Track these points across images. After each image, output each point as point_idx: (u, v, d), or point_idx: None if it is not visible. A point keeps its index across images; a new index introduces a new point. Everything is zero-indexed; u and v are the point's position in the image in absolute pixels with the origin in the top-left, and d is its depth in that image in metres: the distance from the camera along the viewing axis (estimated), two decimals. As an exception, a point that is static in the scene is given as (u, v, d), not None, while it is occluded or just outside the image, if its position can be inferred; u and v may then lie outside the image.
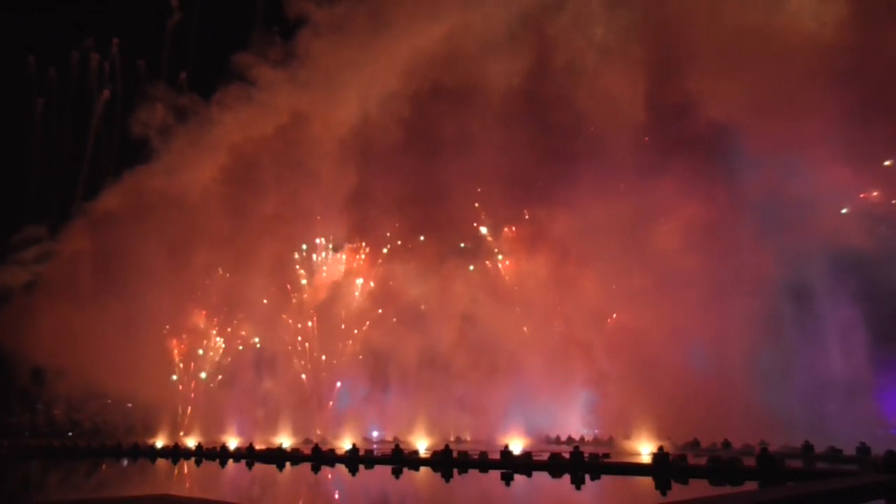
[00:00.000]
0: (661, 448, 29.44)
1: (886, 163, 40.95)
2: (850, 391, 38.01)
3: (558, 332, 44.84)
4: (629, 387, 38.66)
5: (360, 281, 58.15)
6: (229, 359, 61.81)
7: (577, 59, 47.92)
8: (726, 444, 35.08)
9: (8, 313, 64.01)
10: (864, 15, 38.24)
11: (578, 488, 26.36)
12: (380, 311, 55.36)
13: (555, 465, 29.93)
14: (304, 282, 59.23)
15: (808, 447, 32.76)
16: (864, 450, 29.92)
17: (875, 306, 39.12)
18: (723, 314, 37.74)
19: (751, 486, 23.96)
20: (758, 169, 39.22)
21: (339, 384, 56.32)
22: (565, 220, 43.52)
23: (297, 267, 59.39)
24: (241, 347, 61.20)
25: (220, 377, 61.39)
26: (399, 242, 54.50)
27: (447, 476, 30.96)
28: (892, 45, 36.56)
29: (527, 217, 48.74)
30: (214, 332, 62.65)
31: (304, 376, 57.48)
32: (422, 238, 51.37)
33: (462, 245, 53.20)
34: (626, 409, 36.85)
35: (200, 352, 62.40)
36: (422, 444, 40.90)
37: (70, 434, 65.21)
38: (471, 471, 31.95)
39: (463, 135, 47.88)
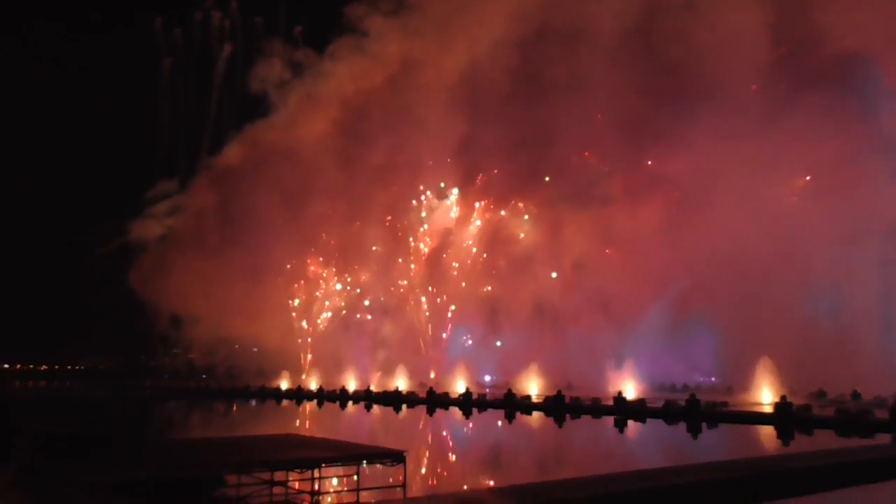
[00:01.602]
0: (783, 397, 28.37)
1: None
2: None
3: (674, 279, 43.50)
4: (750, 334, 37.22)
5: (474, 227, 58.70)
6: (346, 305, 64.32)
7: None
8: (855, 395, 33.32)
9: (145, 264, 68.69)
10: None
11: (695, 436, 25.91)
12: (486, 256, 55.87)
13: (670, 413, 29.47)
14: (422, 228, 60.34)
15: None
16: None
17: None
18: (853, 258, 35.45)
19: (883, 438, 22.75)
20: (891, 104, 36.12)
21: (452, 329, 57.43)
22: (683, 164, 41.83)
23: (410, 215, 60.50)
24: (358, 291, 63.49)
25: (338, 322, 64.05)
26: (510, 188, 54.45)
27: (560, 420, 31.17)
28: None
29: (646, 162, 47.29)
30: (334, 279, 65.25)
31: (418, 321, 58.98)
32: (547, 179, 51.14)
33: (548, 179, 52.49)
34: (747, 357, 35.49)
35: (319, 297, 65.32)
36: (533, 390, 41.23)
37: (204, 377, 69.97)
38: (583, 416, 32.02)
39: (574, 78, 46.67)
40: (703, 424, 27.29)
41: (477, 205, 59.17)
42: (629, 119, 44.95)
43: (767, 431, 26.11)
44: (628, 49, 44.10)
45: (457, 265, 58.24)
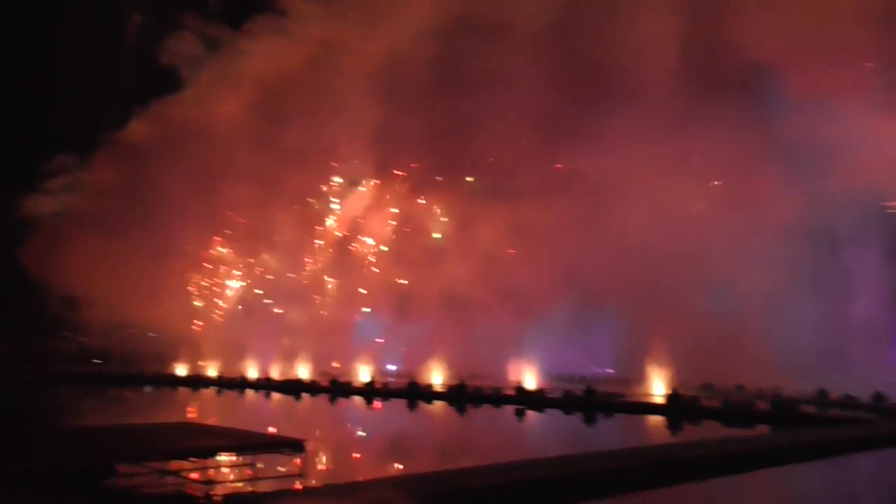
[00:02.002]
0: (675, 389, 29.69)
1: None
2: (870, 339, 37.82)
3: (580, 274, 44.67)
4: (647, 329, 38.72)
5: (386, 216, 58.38)
6: (251, 291, 62.76)
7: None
8: (739, 388, 35.23)
9: (37, 242, 64.85)
10: None
11: (591, 426, 26.77)
12: (398, 247, 55.74)
13: (568, 402, 30.33)
14: (333, 215, 59.56)
15: (822, 393, 32.81)
16: (879, 398, 29.93)
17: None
18: (744, 258, 37.39)
19: (763, 429, 24.16)
20: (793, 114, 38.18)
21: (358, 318, 57.03)
22: (596, 163, 42.85)
23: (320, 201, 59.62)
24: (264, 276, 62.10)
25: (240, 308, 62.44)
26: (424, 179, 54.38)
27: (461, 410, 31.54)
28: None
29: (560, 159, 48.18)
30: (238, 264, 63.52)
31: (324, 309, 58.27)
32: (470, 179, 51.32)
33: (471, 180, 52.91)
34: (644, 351, 36.98)
35: (222, 281, 63.47)
36: (437, 379, 41.55)
37: (98, 361, 66.84)
38: (484, 405, 32.51)
39: (493, 72, 47.07)
40: (600, 414, 28.24)
41: (388, 195, 58.92)
42: (545, 116, 45.68)
43: (659, 421, 27.29)
44: (547, 46, 44.83)
45: (367, 254, 57.90)
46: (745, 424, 24.70)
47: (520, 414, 29.28)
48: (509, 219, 48.84)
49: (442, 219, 55.66)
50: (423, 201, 56.24)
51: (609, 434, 25.67)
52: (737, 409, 27.05)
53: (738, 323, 36.65)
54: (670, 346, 36.26)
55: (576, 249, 44.37)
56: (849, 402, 32.03)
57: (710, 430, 24.11)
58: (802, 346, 35.58)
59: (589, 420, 27.42)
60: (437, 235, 54.15)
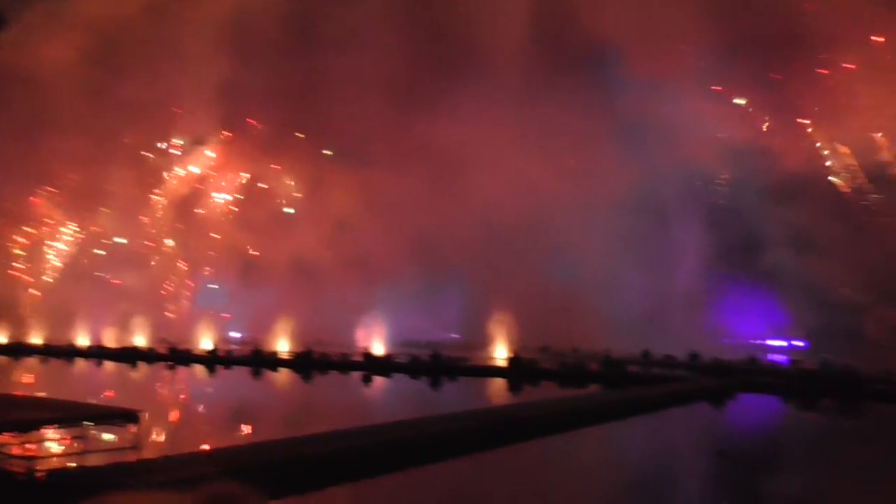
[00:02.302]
0: (516, 353, 31.01)
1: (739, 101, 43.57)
2: (689, 305, 41.37)
3: (428, 241, 45.26)
4: (492, 295, 40.02)
5: (231, 177, 55.93)
6: (82, 253, 58.30)
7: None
8: (575, 350, 37.37)
9: None
10: None
11: (435, 388, 27.41)
12: (245, 211, 53.82)
13: (414, 367, 30.87)
14: (173, 174, 56.15)
15: (646, 353, 35.56)
16: (694, 357, 32.83)
17: (723, 231, 42.39)
18: (581, 228, 39.51)
19: (594, 387, 25.80)
20: (633, 91, 40.41)
21: (200, 283, 54.70)
22: (449, 131, 43.28)
23: (160, 159, 56.09)
24: (96, 238, 57.81)
25: (70, 270, 57.92)
26: (272, 141, 52.58)
27: (307, 377, 31.23)
28: None
29: (414, 126, 48.15)
30: (67, 223, 58.67)
31: (163, 273, 55.30)
32: (328, 153, 49.87)
33: (330, 152, 51.91)
34: (488, 316, 38.29)
35: (49, 242, 58.47)
36: (283, 347, 40.84)
37: None
38: (331, 372, 32.39)
39: (345, 34, 46.07)
40: (445, 378, 28.99)
41: (235, 156, 56.46)
42: (397, 83, 45.41)
43: (501, 383, 28.44)
44: (402, 12, 44.48)
45: (210, 217, 55.33)
46: (579, 384, 26.31)
47: (367, 380, 29.44)
48: (359, 185, 48.50)
49: (290, 183, 54.32)
50: (273, 165, 54.54)
51: (453, 397, 26.40)
52: (572, 371, 28.73)
53: (575, 290, 38.79)
54: (513, 311, 37.80)
55: (424, 218, 44.97)
56: (669, 361, 34.97)
57: (548, 391, 25.41)
58: (631, 311, 38.30)
59: (434, 384, 28.05)
60: (288, 210, 52.78)
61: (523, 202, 41.10)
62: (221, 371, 34.70)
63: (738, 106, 43.35)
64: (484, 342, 38.83)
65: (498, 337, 37.23)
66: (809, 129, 44.66)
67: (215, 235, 54.98)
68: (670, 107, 39.61)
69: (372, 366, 31.89)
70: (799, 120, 43.95)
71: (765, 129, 43.40)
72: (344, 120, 50.42)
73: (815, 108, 43.30)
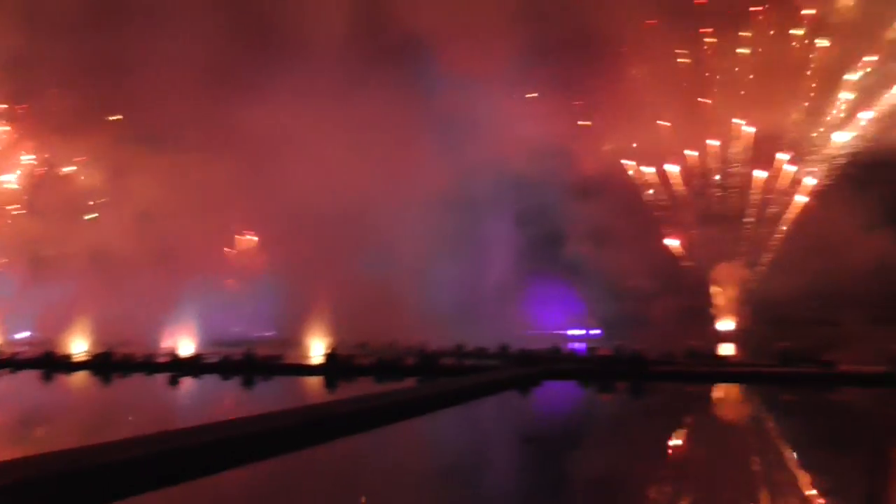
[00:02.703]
0: (332, 349, 30.74)
1: (531, 95, 46.33)
2: (500, 298, 43.32)
3: (244, 233, 43.70)
4: (310, 291, 39.42)
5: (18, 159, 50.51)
6: None
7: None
8: (392, 345, 37.74)
9: None
10: None
11: (250, 389, 26.49)
12: (35, 196, 49.01)
13: (226, 367, 29.66)
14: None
15: (459, 346, 36.71)
16: (504, 348, 34.34)
17: (531, 227, 44.78)
18: (399, 225, 40.01)
19: (411, 381, 26.19)
20: (445, 87, 41.47)
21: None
22: (265, 118, 41.89)
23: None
24: None
25: None
26: (68, 120, 48.06)
27: (107, 380, 29.00)
28: None
29: (227, 110, 46.00)
30: None
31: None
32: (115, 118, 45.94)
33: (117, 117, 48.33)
34: (302, 313, 37.65)
35: None
36: (80, 347, 37.58)
37: None
38: (135, 374, 30.32)
39: (157, 6, 43.21)
40: (259, 378, 28.10)
41: (24, 135, 51.09)
42: (214, 62, 43.31)
43: (317, 381, 28.05)
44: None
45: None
46: (395, 378, 26.59)
47: (173, 381, 27.84)
48: (171, 173, 45.82)
49: (89, 168, 50.09)
50: (71, 147, 49.96)
51: (266, 397, 25.65)
52: (388, 365, 28.97)
53: (393, 285, 39.22)
54: (330, 308, 37.45)
55: (238, 210, 43.37)
56: (481, 352, 36.33)
57: (364, 387, 25.43)
58: (446, 305, 39.41)
59: (247, 384, 27.11)
60: (91, 199, 48.56)
61: (341, 196, 40.86)
62: (7, 375, 31.30)
63: (543, 105, 46.05)
64: (300, 340, 38.15)
65: (315, 334, 36.73)
66: (589, 126, 48.46)
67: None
68: (482, 105, 41.25)
69: (179, 366, 30.22)
70: (586, 121, 47.64)
71: (566, 127, 46.37)
72: (155, 103, 47.23)
73: (611, 111, 47.11)
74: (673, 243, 50.84)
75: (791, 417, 19.89)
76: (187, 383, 27.88)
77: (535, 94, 45.75)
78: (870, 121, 46.61)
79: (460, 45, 40.55)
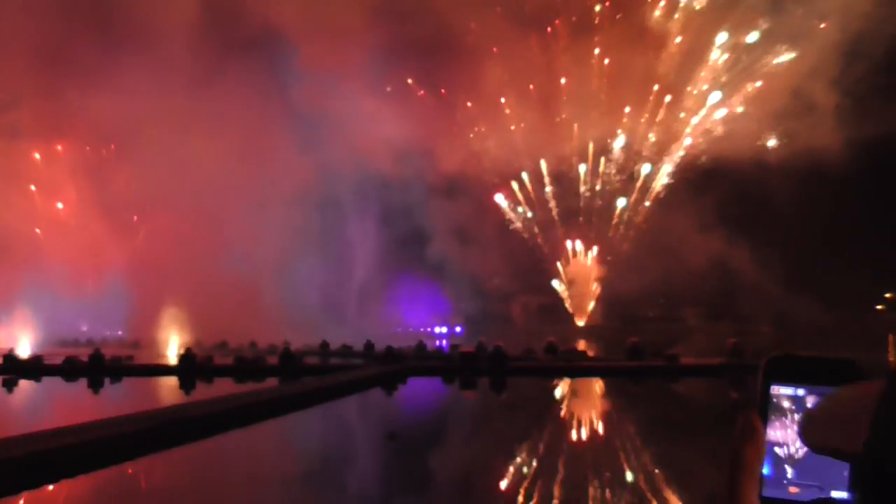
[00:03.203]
0: (188, 349, 29.41)
1: (409, 80, 46.73)
2: (366, 297, 43.18)
3: (88, 228, 40.92)
4: (163, 289, 37.56)
5: None
6: None
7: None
8: (252, 345, 36.72)
9: None
10: None
11: (96, 392, 24.88)
12: None
13: (70, 370, 27.68)
14: None
15: (324, 345, 36.28)
16: (369, 346, 34.30)
17: (395, 226, 44.90)
18: (259, 222, 38.95)
19: (272, 382, 25.52)
20: (305, 83, 40.74)
21: None
22: (108, 106, 39.36)
23: None
24: None
25: None
26: None
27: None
28: None
29: (67, 96, 42.82)
30: None
31: None
32: None
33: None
34: (156, 311, 35.79)
35: None
36: None
37: None
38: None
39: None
40: (107, 380, 26.46)
41: None
42: (50, 45, 40.24)
43: (172, 383, 26.72)
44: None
45: None
46: (256, 378, 25.83)
47: (9, 385, 25.65)
48: (4, 160, 42.21)
49: None
50: None
51: (114, 400, 24.18)
52: (248, 365, 28.14)
53: (253, 283, 38.09)
54: (187, 307, 35.87)
55: (85, 199, 40.57)
56: (346, 350, 36.09)
57: (222, 387, 24.53)
58: (310, 303, 38.80)
59: (94, 386, 25.44)
60: None
61: (196, 192, 39.18)
62: None
63: (404, 103, 46.46)
64: (154, 340, 36.29)
65: (169, 333, 35.04)
66: (471, 135, 49.57)
67: None
68: (343, 102, 40.92)
69: (15, 368, 27.88)
70: (445, 121, 48.61)
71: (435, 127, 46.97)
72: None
73: (477, 111, 48.26)
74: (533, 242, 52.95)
75: (637, 407, 21.18)
76: (25, 386, 25.79)
77: (390, 90, 46.03)
78: (709, 129, 50.48)
79: (319, 41, 40.05)
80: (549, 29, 48.85)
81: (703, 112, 49.73)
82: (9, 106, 43.07)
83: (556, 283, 53.08)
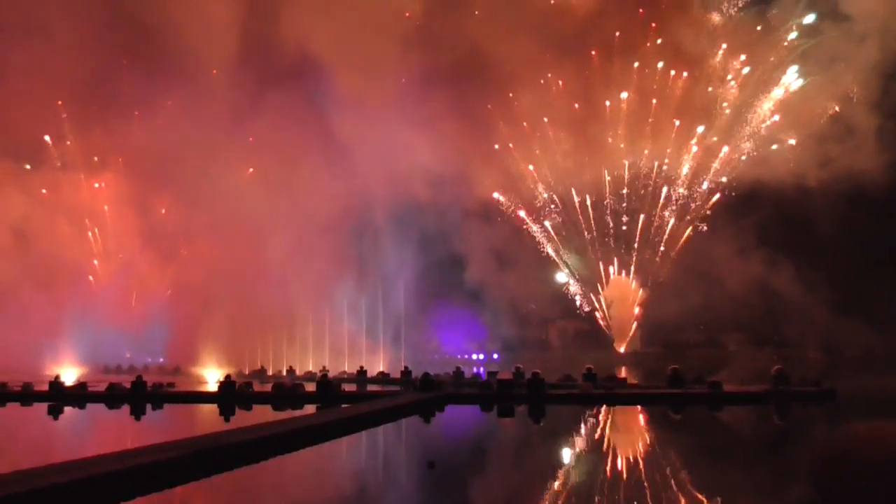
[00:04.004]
0: (227, 376, 29.68)
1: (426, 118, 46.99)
2: (404, 324, 43.19)
3: (129, 257, 41.74)
4: (200, 316, 38.06)
5: None
6: None
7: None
8: (290, 372, 36.94)
9: None
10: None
11: (138, 418, 25.19)
12: None
13: (113, 396, 28.13)
14: None
15: (362, 371, 36.33)
16: (407, 373, 34.26)
17: (432, 252, 44.97)
18: (297, 250, 39.31)
19: (310, 408, 25.57)
20: (341, 111, 41.25)
21: None
22: (149, 135, 40.40)
23: None
24: None
25: None
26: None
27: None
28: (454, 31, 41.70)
29: (108, 126, 44.06)
30: None
31: None
32: None
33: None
34: (196, 339, 36.24)
35: None
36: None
37: None
38: (10, 405, 28.29)
39: (33, 21, 41.05)
40: (149, 406, 26.80)
41: None
42: (94, 76, 41.52)
43: (212, 409, 26.94)
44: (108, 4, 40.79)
45: None
46: (294, 405, 25.91)
47: (55, 412, 26.12)
48: (47, 189, 43.32)
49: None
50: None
51: (156, 426, 24.46)
52: (286, 392, 28.25)
53: (291, 311, 38.40)
54: (226, 334, 36.26)
55: (125, 228, 41.41)
56: (384, 378, 36.09)
57: (261, 415, 24.66)
58: (348, 330, 38.94)
59: (137, 413, 25.78)
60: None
61: (238, 220, 39.82)
62: None
63: (439, 129, 46.80)
64: (194, 366, 36.73)
65: (209, 360, 35.45)
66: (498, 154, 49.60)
67: None
68: (380, 131, 41.31)
69: (61, 395, 28.40)
70: (495, 147, 48.75)
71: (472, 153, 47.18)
72: (24, 117, 44.48)
73: (509, 139, 48.37)
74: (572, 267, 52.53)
75: (680, 436, 20.70)
76: (70, 414, 26.23)
77: (430, 118, 46.47)
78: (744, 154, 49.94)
79: (354, 70, 40.56)
80: (593, 52, 49.01)
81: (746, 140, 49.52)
82: (56, 139, 44.49)
83: (598, 309, 52.49)
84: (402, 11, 41.82)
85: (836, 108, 44.99)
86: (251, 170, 43.39)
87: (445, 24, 42.43)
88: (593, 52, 48.99)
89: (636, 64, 48.96)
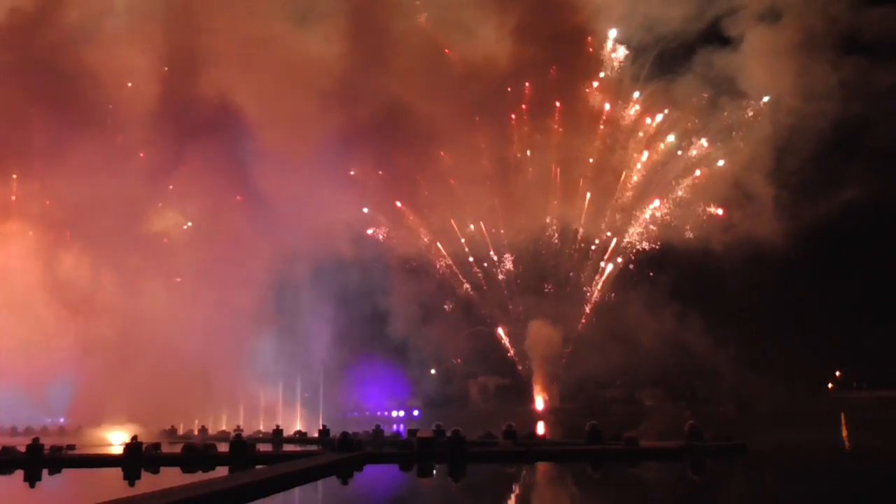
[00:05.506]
0: (134, 437, 28.16)
1: (351, 172, 47.42)
2: (323, 381, 42.27)
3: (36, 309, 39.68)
4: (106, 373, 36.29)
5: None
6: None
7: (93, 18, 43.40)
8: (203, 431, 35.50)
9: None
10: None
11: (32, 485, 23.47)
12: None
13: (5, 461, 26.18)
14: None
15: (278, 431, 35.20)
16: (325, 432, 33.39)
17: (353, 308, 44.52)
18: (214, 305, 38.25)
19: (223, 471, 24.45)
20: (260, 167, 40.87)
21: None
22: (56, 188, 38.88)
23: None
24: None
25: None
26: None
27: None
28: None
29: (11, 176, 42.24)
30: None
31: None
32: None
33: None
34: (101, 397, 34.41)
35: None
36: None
37: None
38: None
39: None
40: (45, 472, 25.04)
41: None
42: (5, 125, 39.99)
43: (115, 474, 25.37)
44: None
45: None
46: (205, 468, 24.73)
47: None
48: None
49: None
50: None
51: (51, 495, 22.82)
52: (197, 454, 26.97)
53: (204, 368, 37.07)
54: (135, 391, 34.61)
55: (29, 284, 39.41)
56: (301, 437, 35.04)
57: (169, 478, 23.39)
58: (265, 388, 37.80)
59: (31, 479, 24.02)
60: None
61: (144, 274, 38.53)
62: None
63: (361, 186, 46.96)
64: (99, 427, 34.78)
65: (115, 420, 33.62)
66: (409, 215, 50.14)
67: None
68: (301, 186, 41.08)
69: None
70: (404, 205, 49.17)
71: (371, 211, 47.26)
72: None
73: (426, 195, 48.97)
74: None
75: (599, 495, 20.76)
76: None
77: (353, 172, 46.74)
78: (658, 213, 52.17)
79: (274, 125, 40.44)
80: (512, 116, 50.67)
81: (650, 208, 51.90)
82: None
83: (519, 365, 52.82)
84: (323, 68, 42.14)
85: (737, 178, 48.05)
86: (188, 224, 42.06)
87: (367, 80, 42.98)
88: (513, 116, 50.70)
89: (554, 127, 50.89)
